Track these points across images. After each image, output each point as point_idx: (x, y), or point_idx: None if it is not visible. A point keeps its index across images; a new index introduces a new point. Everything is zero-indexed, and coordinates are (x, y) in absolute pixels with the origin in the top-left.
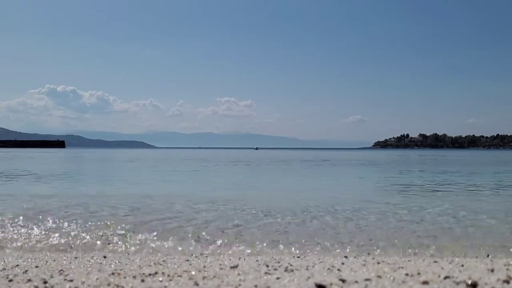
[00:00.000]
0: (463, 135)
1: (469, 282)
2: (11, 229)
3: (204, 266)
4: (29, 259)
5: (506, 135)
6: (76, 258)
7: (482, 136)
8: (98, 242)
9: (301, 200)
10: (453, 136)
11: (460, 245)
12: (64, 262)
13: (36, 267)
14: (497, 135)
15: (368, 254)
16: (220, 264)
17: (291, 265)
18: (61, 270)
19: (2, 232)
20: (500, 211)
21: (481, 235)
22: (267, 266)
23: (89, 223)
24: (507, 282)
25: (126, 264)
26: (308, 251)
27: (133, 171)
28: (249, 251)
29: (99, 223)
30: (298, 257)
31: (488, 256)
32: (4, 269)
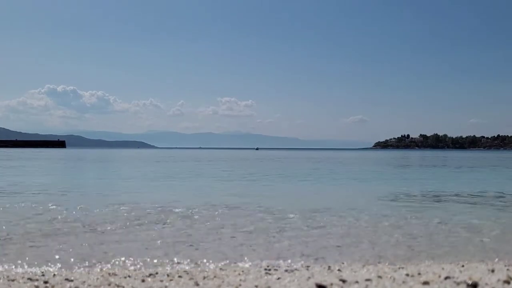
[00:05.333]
0: (464, 136)
1: (470, 282)
2: None
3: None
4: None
5: (507, 135)
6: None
7: (483, 137)
8: None
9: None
10: (454, 137)
11: None
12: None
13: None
14: (498, 135)
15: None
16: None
17: (291, 265)
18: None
19: None
20: None
21: None
22: (268, 266)
23: None
24: (508, 282)
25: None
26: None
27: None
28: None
29: None
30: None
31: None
32: None
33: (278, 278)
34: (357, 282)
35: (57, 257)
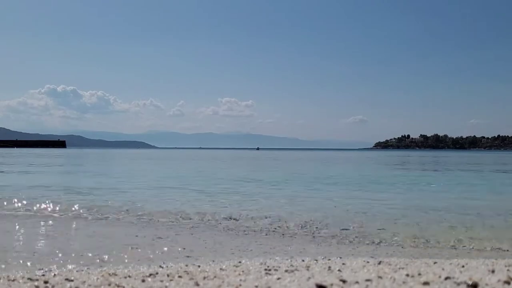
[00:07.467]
0: (464, 136)
1: (470, 282)
2: None
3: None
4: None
5: (507, 136)
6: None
7: (483, 137)
8: None
9: None
10: (454, 137)
11: None
12: None
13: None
14: (498, 136)
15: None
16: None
17: (291, 265)
18: None
19: None
20: None
21: None
22: (268, 266)
23: None
24: (508, 283)
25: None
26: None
27: None
28: None
29: None
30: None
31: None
32: None
33: (278, 278)
34: (357, 282)
35: (57, 257)
